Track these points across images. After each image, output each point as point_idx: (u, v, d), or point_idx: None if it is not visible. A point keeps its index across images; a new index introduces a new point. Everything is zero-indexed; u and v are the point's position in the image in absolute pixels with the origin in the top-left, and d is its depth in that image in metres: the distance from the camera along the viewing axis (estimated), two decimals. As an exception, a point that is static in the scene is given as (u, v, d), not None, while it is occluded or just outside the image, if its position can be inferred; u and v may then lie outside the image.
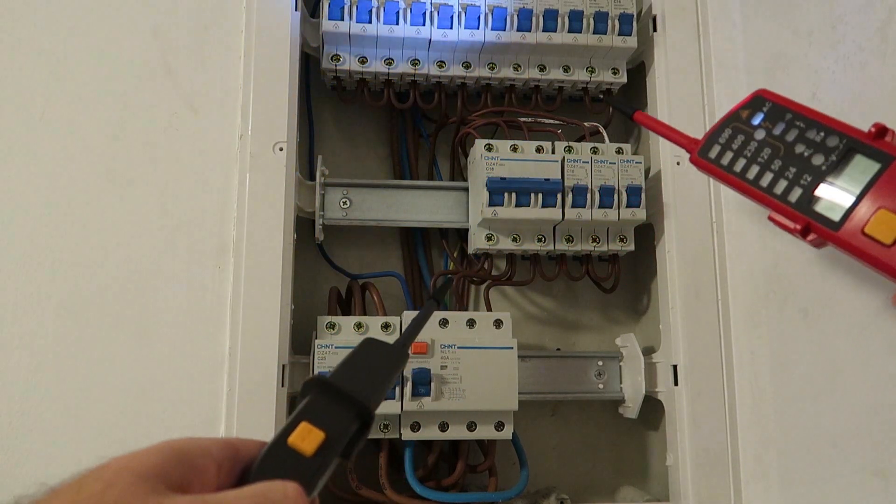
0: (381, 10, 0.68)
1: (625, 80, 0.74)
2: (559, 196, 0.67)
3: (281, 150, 0.64)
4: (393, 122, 0.80)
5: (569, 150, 0.69)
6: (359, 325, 0.65)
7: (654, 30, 0.73)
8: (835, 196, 0.44)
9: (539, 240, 0.70)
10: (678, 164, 0.69)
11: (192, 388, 0.60)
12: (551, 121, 0.74)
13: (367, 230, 0.78)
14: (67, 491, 0.25)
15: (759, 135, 0.49)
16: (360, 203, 0.72)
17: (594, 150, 0.70)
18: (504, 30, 0.69)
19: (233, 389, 0.60)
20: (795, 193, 0.46)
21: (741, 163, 0.49)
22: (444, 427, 0.64)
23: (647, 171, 0.72)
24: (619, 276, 0.74)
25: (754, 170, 0.48)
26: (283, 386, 0.61)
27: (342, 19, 0.68)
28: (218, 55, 0.66)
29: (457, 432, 0.64)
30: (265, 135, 0.64)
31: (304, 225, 0.71)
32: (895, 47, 0.70)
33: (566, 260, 0.74)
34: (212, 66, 0.65)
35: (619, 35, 0.71)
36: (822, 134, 0.47)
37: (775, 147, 0.48)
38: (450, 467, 0.69)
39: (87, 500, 0.25)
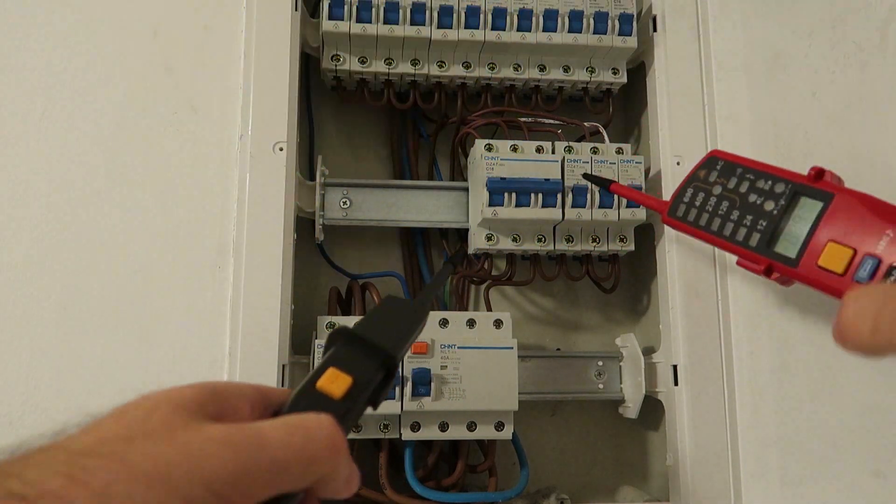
0: (382, 10, 0.68)
1: (625, 80, 0.74)
2: (559, 196, 0.67)
3: (281, 150, 0.64)
4: (393, 122, 0.80)
5: (569, 150, 0.69)
6: (359, 325, 0.65)
7: (654, 30, 0.73)
8: (789, 236, 0.50)
9: (539, 240, 0.70)
10: (678, 164, 0.69)
11: (192, 389, 0.59)
12: (551, 121, 0.74)
13: (367, 230, 0.78)
14: (110, 419, 0.27)
15: (717, 190, 0.54)
16: (360, 203, 0.72)
17: (594, 150, 0.70)
18: (504, 30, 0.69)
19: (233, 389, 0.59)
20: (755, 238, 0.51)
21: (705, 217, 0.54)
22: (444, 427, 0.64)
23: (647, 171, 0.72)
24: (619, 276, 0.74)
25: (717, 222, 0.53)
26: (283, 386, 0.61)
27: (342, 19, 0.68)
28: (218, 55, 0.66)
29: (457, 432, 0.64)
30: (265, 135, 0.64)
31: (304, 225, 0.71)
32: (895, 47, 0.70)
33: (566, 260, 0.74)
34: (212, 66, 0.65)
35: (619, 35, 0.71)
36: (770, 182, 0.52)
37: (732, 199, 0.53)
38: (450, 467, 0.69)
39: (129, 424, 0.26)
